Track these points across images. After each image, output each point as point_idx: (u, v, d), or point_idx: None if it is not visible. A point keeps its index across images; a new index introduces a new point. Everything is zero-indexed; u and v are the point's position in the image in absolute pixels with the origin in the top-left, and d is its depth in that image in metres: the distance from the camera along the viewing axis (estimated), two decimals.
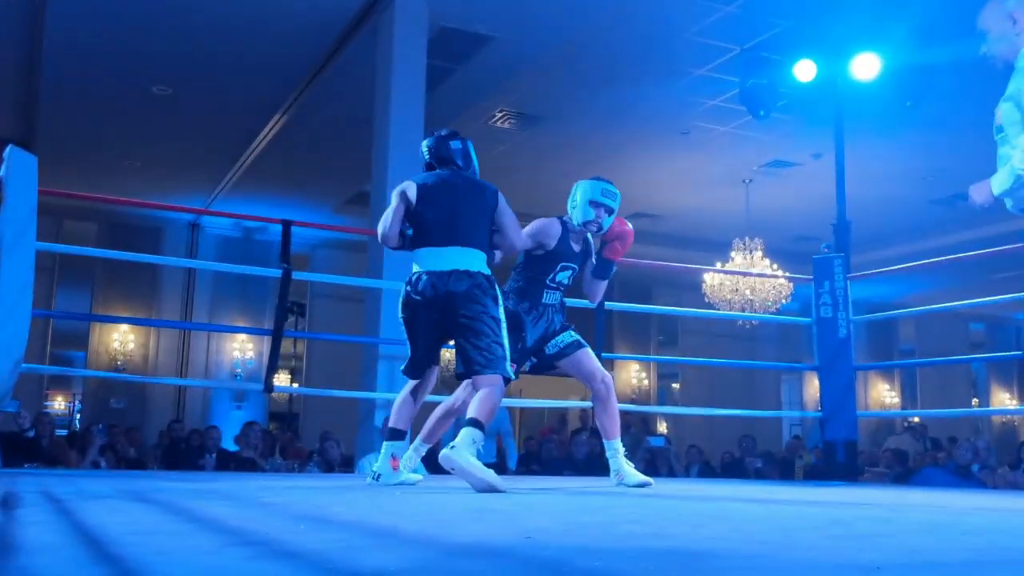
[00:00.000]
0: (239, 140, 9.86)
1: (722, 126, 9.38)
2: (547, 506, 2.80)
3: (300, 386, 12.93)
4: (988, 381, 17.90)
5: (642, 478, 3.89)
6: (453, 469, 3.20)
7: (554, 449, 8.06)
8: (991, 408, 17.36)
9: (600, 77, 8.36)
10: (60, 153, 9.79)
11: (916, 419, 15.69)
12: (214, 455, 7.33)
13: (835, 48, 7.06)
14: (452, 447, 3.22)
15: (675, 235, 12.94)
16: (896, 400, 16.99)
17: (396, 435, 3.69)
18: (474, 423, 3.31)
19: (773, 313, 10.61)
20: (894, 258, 9.23)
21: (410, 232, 3.63)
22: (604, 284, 4.20)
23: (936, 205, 11.62)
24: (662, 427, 15.15)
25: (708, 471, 9.32)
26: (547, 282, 3.93)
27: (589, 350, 4.02)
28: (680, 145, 9.95)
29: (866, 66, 6.79)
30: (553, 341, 3.96)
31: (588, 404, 6.12)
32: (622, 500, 3.10)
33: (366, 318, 6.67)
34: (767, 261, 11.09)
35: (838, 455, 5.82)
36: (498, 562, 1.39)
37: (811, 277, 6.11)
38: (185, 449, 7.99)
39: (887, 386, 17.02)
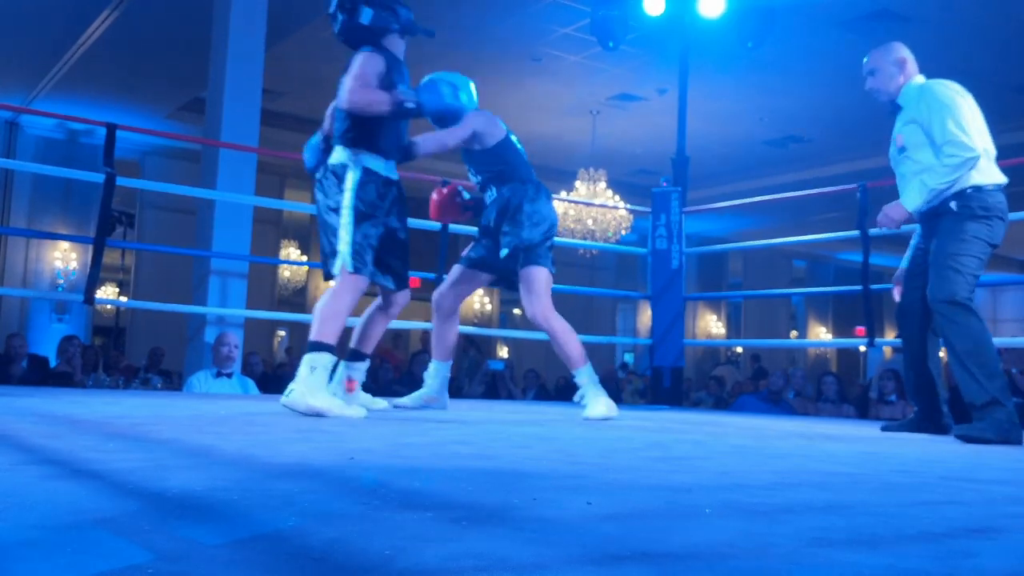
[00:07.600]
0: (65, 35, 9.11)
1: (572, 55, 9.39)
2: (376, 428, 2.78)
3: (129, 300, 12.34)
4: (806, 315, 19.08)
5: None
6: None
7: (390, 371, 8.03)
8: (808, 340, 18.51)
9: None
10: None
11: (739, 349, 16.57)
12: (24, 363, 6.86)
13: None
14: None
15: None
16: (723, 331, 17.88)
17: None
18: None
19: (613, 243, 10.88)
20: (728, 195, 9.60)
21: None
22: None
23: (769, 146, 12.12)
24: (503, 351, 15.41)
25: (544, 394, 9.56)
26: None
27: None
28: (531, 71, 9.92)
29: (712, 4, 6.91)
30: None
31: (429, 325, 6.09)
32: (452, 422, 3.12)
33: (198, 231, 6.38)
34: (610, 192, 11.33)
35: (664, 380, 6.07)
36: (314, 483, 1.36)
37: (650, 210, 6.26)
38: None
39: (714, 317, 17.87)
